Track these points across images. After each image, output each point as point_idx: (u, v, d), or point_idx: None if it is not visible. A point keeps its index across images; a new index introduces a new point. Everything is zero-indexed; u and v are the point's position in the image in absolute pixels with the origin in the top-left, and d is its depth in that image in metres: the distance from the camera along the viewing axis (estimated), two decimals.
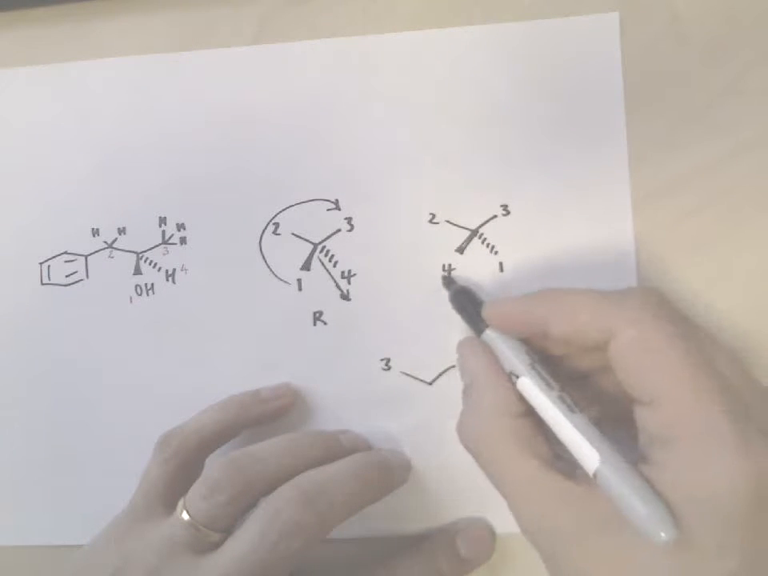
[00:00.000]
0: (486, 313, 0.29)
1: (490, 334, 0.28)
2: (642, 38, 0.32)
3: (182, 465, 0.31)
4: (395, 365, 0.33)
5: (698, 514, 0.22)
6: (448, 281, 0.32)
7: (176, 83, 0.35)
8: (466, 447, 0.28)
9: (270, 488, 0.28)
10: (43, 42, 0.36)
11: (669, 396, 0.23)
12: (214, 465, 0.29)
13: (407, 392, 0.33)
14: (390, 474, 0.31)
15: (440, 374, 0.33)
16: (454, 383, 0.32)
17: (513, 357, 0.27)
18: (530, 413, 0.26)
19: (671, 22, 0.32)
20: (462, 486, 0.32)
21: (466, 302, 0.31)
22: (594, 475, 0.23)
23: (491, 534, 0.32)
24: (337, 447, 0.31)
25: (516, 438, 0.26)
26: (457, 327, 0.32)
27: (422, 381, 0.33)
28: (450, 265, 0.33)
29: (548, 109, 0.33)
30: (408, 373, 0.33)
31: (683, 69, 0.32)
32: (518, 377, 0.27)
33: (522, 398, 0.26)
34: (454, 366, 0.33)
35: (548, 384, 0.26)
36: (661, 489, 0.23)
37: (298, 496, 0.27)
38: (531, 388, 0.26)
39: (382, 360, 0.33)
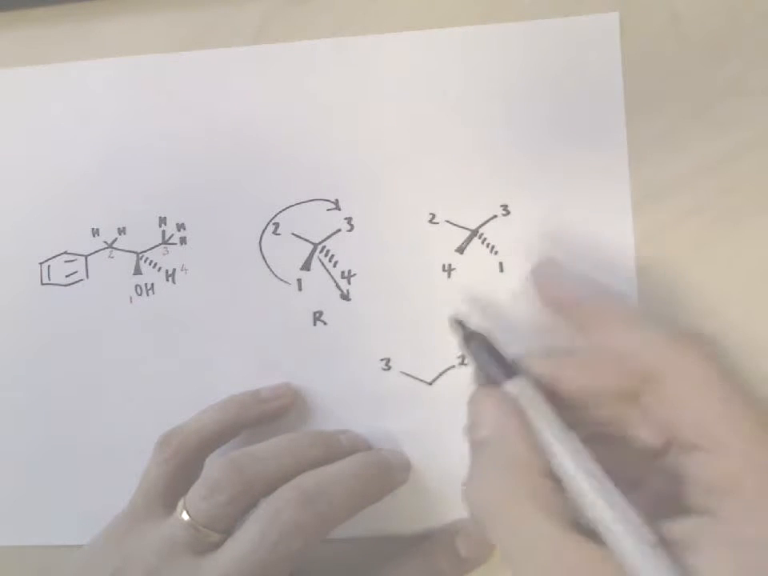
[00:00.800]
0: (533, 365, 0.27)
1: (520, 384, 0.26)
2: (642, 37, 0.32)
3: (181, 465, 0.31)
4: (395, 365, 0.33)
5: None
6: (458, 325, 0.30)
7: (176, 83, 0.35)
8: (476, 507, 0.25)
9: (271, 488, 0.28)
10: (43, 42, 0.36)
11: (736, 444, 0.23)
12: (214, 465, 0.29)
13: (407, 392, 0.33)
14: (390, 474, 0.31)
15: (440, 374, 0.33)
16: (453, 383, 0.33)
17: (547, 415, 0.25)
18: (550, 471, 0.25)
19: (671, 22, 0.32)
20: (461, 486, 0.32)
21: (483, 348, 0.28)
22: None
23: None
24: (337, 447, 0.31)
25: (540, 500, 0.24)
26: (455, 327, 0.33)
27: (421, 381, 0.33)
28: (450, 264, 0.33)
29: (548, 109, 0.33)
30: (408, 373, 0.33)
31: (683, 69, 0.32)
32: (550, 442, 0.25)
33: (543, 455, 0.25)
34: (454, 366, 0.33)
35: (581, 453, 0.24)
36: (722, 539, 0.22)
37: (298, 496, 0.27)
38: (565, 456, 0.24)
39: (381, 360, 0.33)
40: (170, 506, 0.29)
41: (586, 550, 0.23)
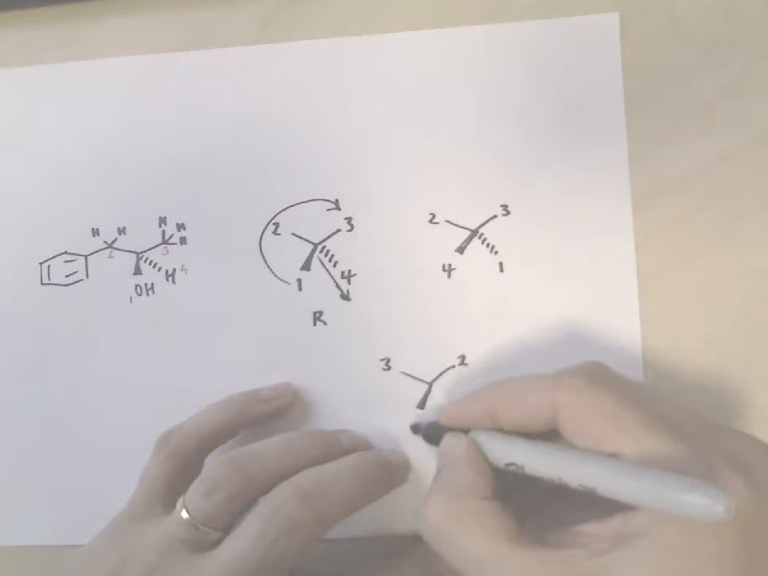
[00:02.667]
0: (441, 419, 0.30)
1: (473, 434, 0.29)
2: (642, 37, 0.32)
3: (181, 464, 0.31)
4: (395, 365, 0.33)
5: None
6: (415, 427, 0.32)
7: (176, 83, 0.35)
8: (425, 528, 0.27)
9: (270, 486, 0.28)
10: (43, 42, 0.36)
11: (628, 446, 0.24)
12: (214, 463, 0.29)
13: (407, 392, 0.33)
14: (389, 473, 0.31)
15: (440, 374, 0.33)
16: (453, 383, 0.33)
17: (501, 437, 0.28)
18: (495, 496, 0.26)
19: (671, 22, 0.32)
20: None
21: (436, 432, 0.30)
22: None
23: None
24: (337, 446, 0.31)
25: (482, 519, 0.25)
26: (457, 327, 0.33)
27: (421, 381, 0.33)
28: (450, 264, 0.33)
29: (548, 109, 0.33)
30: (408, 373, 0.33)
31: (683, 69, 0.32)
32: (513, 463, 0.27)
33: (491, 482, 0.27)
34: (453, 366, 0.33)
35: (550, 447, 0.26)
36: (645, 530, 0.23)
37: (297, 494, 0.27)
38: (541, 452, 0.26)
39: (381, 360, 0.33)
40: (169, 505, 0.30)
41: (538, 557, 0.24)
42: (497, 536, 0.25)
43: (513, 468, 0.27)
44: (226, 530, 0.28)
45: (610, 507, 0.24)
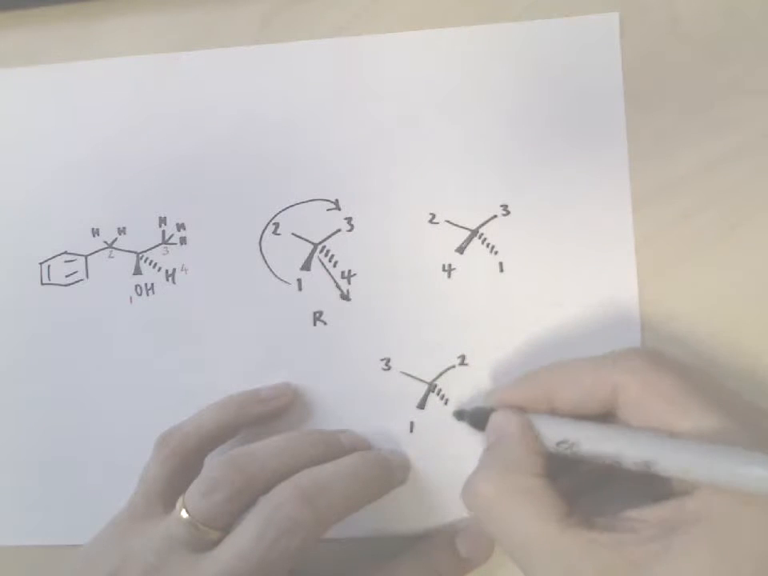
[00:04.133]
0: (491, 401, 0.29)
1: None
2: (642, 37, 0.32)
3: (181, 464, 0.31)
4: (395, 365, 0.33)
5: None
6: (459, 413, 0.31)
7: (176, 83, 0.35)
8: (472, 504, 0.27)
9: (270, 486, 0.28)
10: (43, 42, 0.36)
11: (686, 429, 0.24)
12: (213, 463, 0.29)
13: (407, 392, 0.33)
14: (389, 473, 0.31)
15: (440, 374, 0.33)
16: (453, 383, 0.33)
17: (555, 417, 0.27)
18: (546, 474, 0.26)
19: (671, 22, 0.32)
20: (461, 486, 0.32)
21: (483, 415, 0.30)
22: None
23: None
24: (337, 446, 0.31)
25: (532, 496, 0.25)
26: (457, 327, 0.33)
27: (421, 381, 0.33)
28: (450, 265, 0.33)
29: (548, 109, 0.33)
30: (408, 373, 0.33)
31: (683, 69, 0.32)
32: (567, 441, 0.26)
33: (543, 460, 0.26)
34: (453, 366, 0.33)
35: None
36: (700, 516, 0.23)
37: (296, 494, 0.27)
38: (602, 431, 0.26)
39: (381, 360, 0.33)
40: (169, 504, 0.29)
41: (585, 539, 0.24)
42: (547, 515, 0.25)
43: (564, 447, 0.26)
44: (226, 529, 0.28)
45: (661, 493, 0.24)
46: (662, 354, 0.27)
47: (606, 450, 0.25)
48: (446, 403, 0.33)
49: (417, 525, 0.33)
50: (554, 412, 0.28)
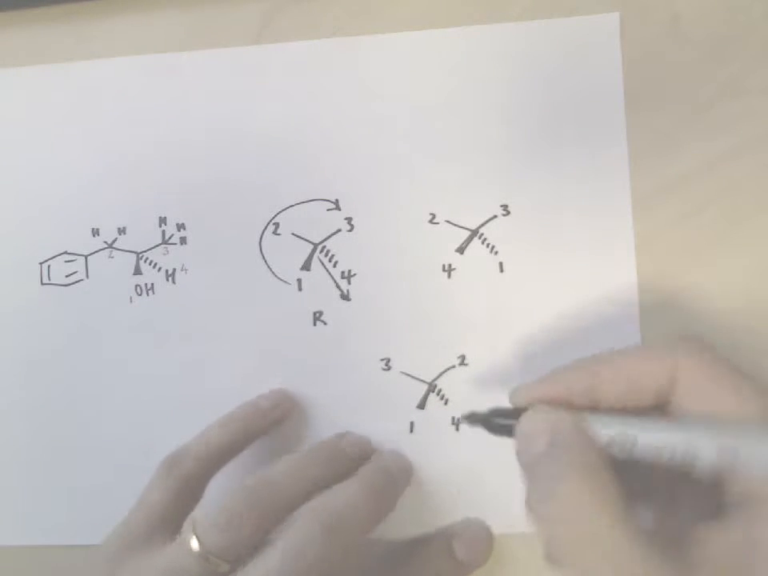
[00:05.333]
0: (520, 399, 0.27)
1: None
2: (642, 38, 0.32)
3: (186, 488, 0.30)
4: (395, 365, 0.33)
5: None
6: (472, 416, 0.28)
7: (176, 83, 0.35)
8: (548, 521, 0.23)
9: (286, 514, 0.28)
10: (43, 42, 0.36)
11: (751, 413, 0.23)
12: (233, 495, 0.28)
13: (407, 392, 0.33)
14: (397, 486, 0.31)
15: (440, 374, 0.33)
16: (454, 383, 0.33)
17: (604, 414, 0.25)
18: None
19: (672, 23, 0.32)
20: (462, 486, 0.32)
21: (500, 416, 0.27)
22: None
23: (489, 536, 0.32)
24: (344, 459, 0.31)
25: (614, 507, 0.22)
26: (457, 327, 0.33)
27: (422, 381, 0.33)
28: (450, 265, 0.33)
29: (548, 109, 0.33)
30: (408, 373, 0.33)
31: (683, 69, 0.32)
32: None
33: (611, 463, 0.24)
34: (453, 367, 0.33)
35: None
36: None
37: (320, 531, 0.26)
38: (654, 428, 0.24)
39: (381, 360, 0.33)
40: (171, 530, 0.29)
41: (657, 555, 0.22)
42: (626, 529, 0.22)
43: (621, 447, 0.23)
44: (237, 561, 0.27)
45: (716, 502, 0.23)
46: (703, 341, 0.25)
47: (673, 441, 0.23)
48: (445, 403, 0.33)
49: (416, 525, 0.33)
50: (595, 409, 0.25)
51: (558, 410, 0.25)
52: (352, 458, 0.31)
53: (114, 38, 0.36)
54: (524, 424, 0.26)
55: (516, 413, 0.26)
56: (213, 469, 0.31)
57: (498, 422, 0.27)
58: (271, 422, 0.32)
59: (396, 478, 0.31)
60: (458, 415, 0.32)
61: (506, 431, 0.26)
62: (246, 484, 0.28)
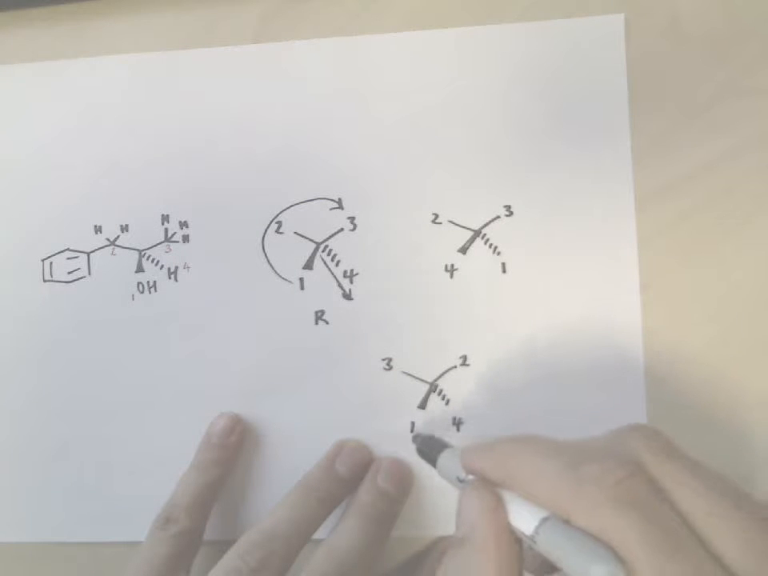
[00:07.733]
0: (464, 465, 0.25)
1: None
2: (645, 39, 0.32)
3: (185, 540, 0.31)
4: (396, 364, 0.33)
5: None
6: (415, 437, 0.31)
7: (176, 82, 0.35)
8: None
9: (290, 565, 0.29)
10: (43, 42, 0.36)
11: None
12: (236, 550, 0.29)
13: (408, 392, 0.33)
14: (397, 506, 0.32)
15: (441, 374, 0.33)
16: (455, 383, 0.33)
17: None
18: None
19: (674, 24, 0.32)
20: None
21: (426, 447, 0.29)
22: None
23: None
24: (339, 486, 0.32)
25: None
26: (459, 327, 0.33)
27: (423, 381, 0.33)
28: (452, 265, 0.33)
29: (552, 109, 0.33)
30: (409, 373, 0.33)
31: (686, 69, 0.32)
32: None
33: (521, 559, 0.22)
34: (455, 367, 0.33)
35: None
36: None
37: None
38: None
39: (383, 360, 0.33)
40: None
41: None
42: None
43: (527, 540, 0.22)
44: None
45: None
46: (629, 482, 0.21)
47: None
48: (447, 403, 0.33)
49: (416, 526, 0.33)
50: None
51: (485, 495, 0.23)
52: (344, 477, 0.32)
53: (114, 38, 0.36)
54: (461, 498, 0.24)
55: (439, 448, 0.28)
56: (206, 513, 0.32)
57: (422, 451, 0.30)
58: (236, 449, 0.33)
59: (395, 500, 0.31)
60: (459, 415, 0.33)
61: (430, 461, 0.29)
62: (252, 538, 0.29)
